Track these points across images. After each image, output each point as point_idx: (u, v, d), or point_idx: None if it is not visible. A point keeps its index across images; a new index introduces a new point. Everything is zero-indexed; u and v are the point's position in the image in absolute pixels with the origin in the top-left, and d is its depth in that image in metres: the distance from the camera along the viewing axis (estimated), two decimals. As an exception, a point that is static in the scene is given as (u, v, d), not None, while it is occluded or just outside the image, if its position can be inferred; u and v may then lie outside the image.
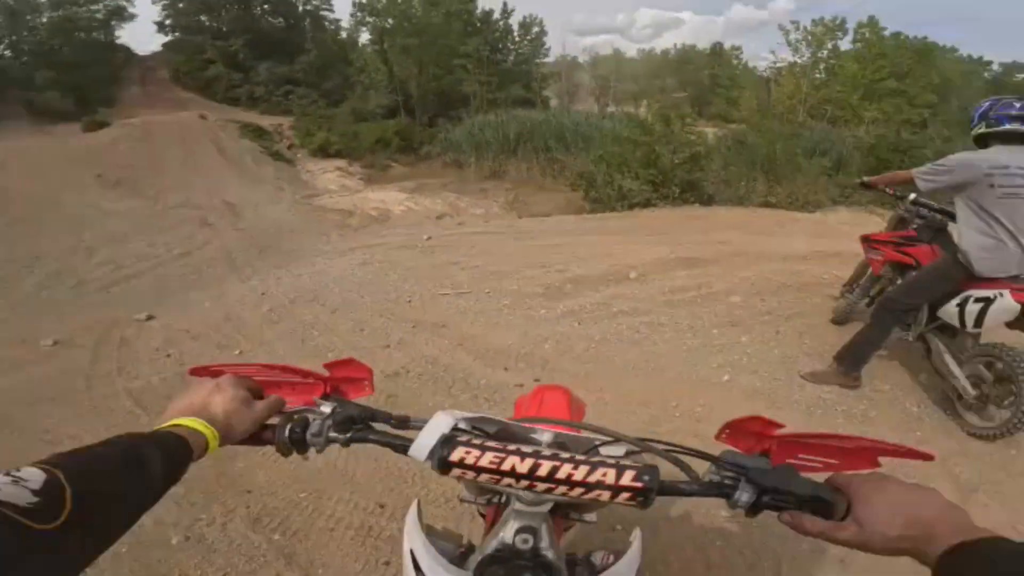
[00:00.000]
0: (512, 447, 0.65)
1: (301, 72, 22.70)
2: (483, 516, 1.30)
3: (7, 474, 0.46)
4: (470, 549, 0.84)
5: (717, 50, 39.98)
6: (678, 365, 3.53)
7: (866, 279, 3.63)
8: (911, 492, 0.58)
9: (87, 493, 0.48)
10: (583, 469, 0.62)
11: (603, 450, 0.72)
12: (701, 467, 0.70)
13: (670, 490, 0.65)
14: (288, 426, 0.71)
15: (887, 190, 3.27)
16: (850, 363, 3.10)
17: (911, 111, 17.33)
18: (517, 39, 25.14)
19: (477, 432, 0.73)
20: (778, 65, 19.33)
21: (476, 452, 0.64)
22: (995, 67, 28.81)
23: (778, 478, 0.64)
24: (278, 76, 22.62)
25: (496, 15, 23.84)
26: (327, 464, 2.53)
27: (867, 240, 3.48)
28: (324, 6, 26.45)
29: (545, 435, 0.76)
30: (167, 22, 25.09)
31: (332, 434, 0.73)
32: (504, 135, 14.20)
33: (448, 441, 0.66)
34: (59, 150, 13.83)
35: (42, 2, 22.50)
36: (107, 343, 4.19)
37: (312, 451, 0.73)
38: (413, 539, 0.79)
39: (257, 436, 0.71)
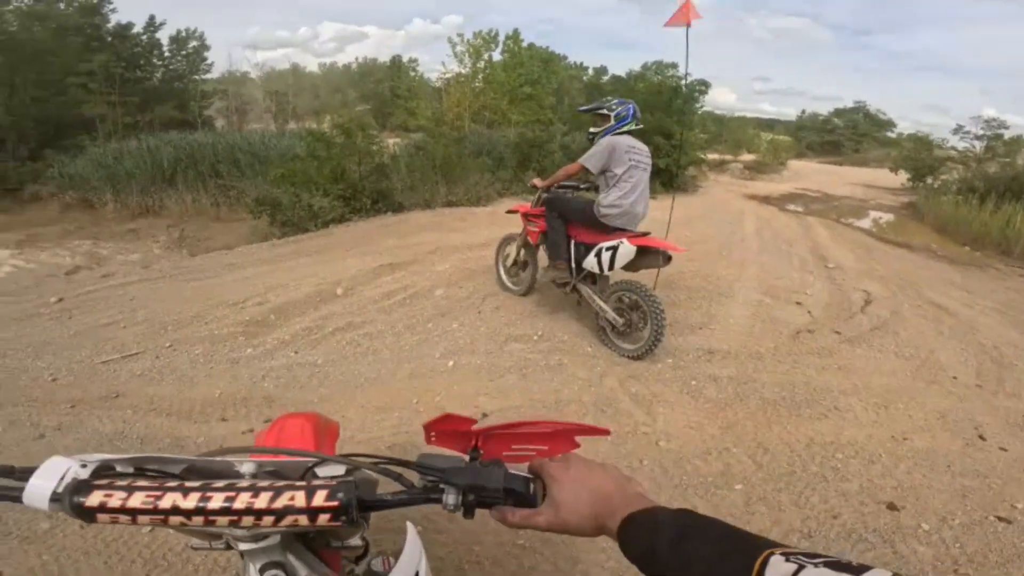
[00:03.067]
0: (172, 483, 0.59)
1: None
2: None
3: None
4: None
5: (397, 63, 41.70)
6: (407, 364, 3.70)
7: (527, 250, 4.49)
8: (592, 469, 0.59)
9: None
10: (265, 496, 0.57)
11: (322, 472, 0.69)
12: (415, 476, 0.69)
13: (377, 504, 0.62)
14: None
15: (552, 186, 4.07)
16: (552, 256, 3.94)
17: (540, 112, 21.30)
18: (168, 54, 21.22)
19: (159, 473, 0.65)
20: (447, 76, 21.16)
21: (122, 493, 0.56)
22: (589, 71, 37.83)
23: (472, 475, 0.62)
24: None
25: (138, 28, 19.63)
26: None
27: (526, 216, 4.28)
28: None
29: (246, 466, 0.69)
30: None
31: None
32: (155, 163, 11.74)
33: (82, 485, 0.57)
34: None
35: None
36: None
37: None
38: None
39: None
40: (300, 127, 19.70)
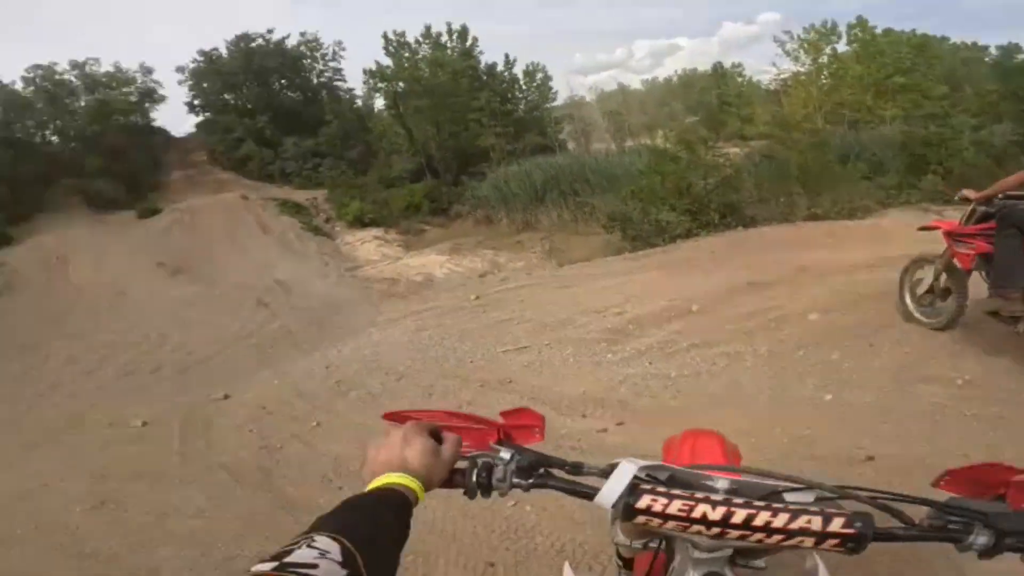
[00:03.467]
0: (700, 495, 0.64)
1: (325, 144, 23.16)
2: (620, 562, 1.28)
3: (309, 546, 0.46)
4: None
5: (719, 70, 39.99)
6: (768, 390, 3.41)
7: (953, 276, 3.46)
8: None
9: (374, 562, 0.48)
10: (784, 516, 0.59)
11: (789, 497, 0.69)
12: (913, 514, 0.66)
13: (885, 536, 0.62)
14: (475, 471, 0.74)
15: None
16: (1005, 283, 2.99)
17: (929, 104, 16.91)
18: (524, 87, 25.70)
19: (652, 479, 0.71)
20: (782, 76, 19.12)
21: (663, 500, 0.63)
22: (992, 51, 28.05)
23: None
24: (305, 150, 23.10)
25: (500, 67, 24.56)
26: (426, 525, 2.51)
27: (952, 235, 3.32)
28: (337, 77, 27.24)
29: (720, 482, 0.72)
30: (196, 102, 25.85)
31: (515, 480, 0.74)
32: (530, 184, 14.30)
33: (634, 489, 0.65)
34: (120, 240, 14.81)
35: (77, 86, 23.39)
36: (192, 423, 4.44)
37: (495, 495, 0.74)
38: None
39: (449, 480, 0.74)
40: (636, 144, 20.65)
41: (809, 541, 0.59)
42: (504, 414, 0.87)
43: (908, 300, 3.81)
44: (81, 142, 22.49)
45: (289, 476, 3.39)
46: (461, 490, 0.74)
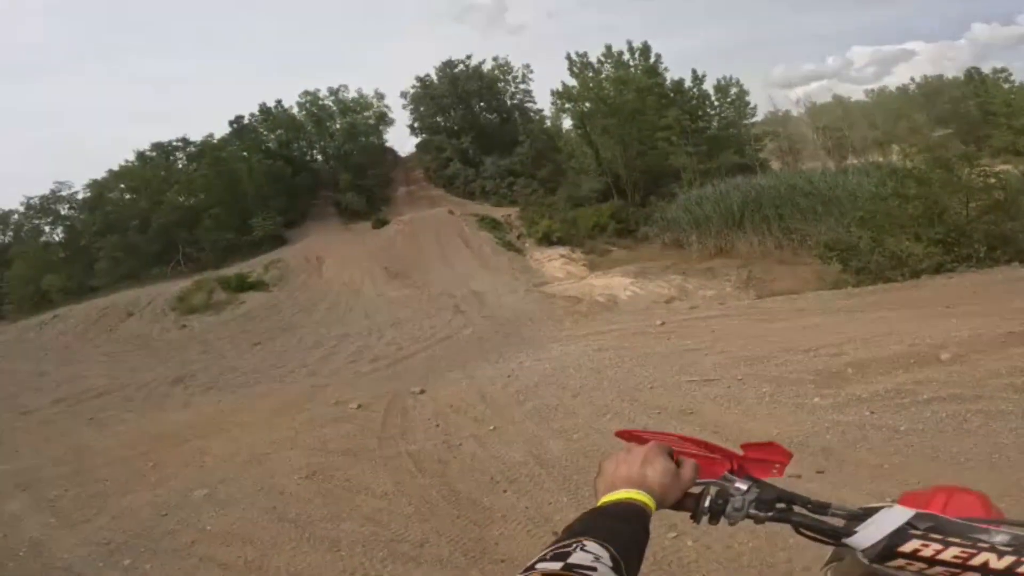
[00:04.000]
0: (984, 543, 0.60)
1: (519, 163, 25.00)
2: None
3: (583, 550, 0.50)
4: None
5: (976, 75, 32.28)
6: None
7: None
8: None
9: (629, 568, 0.51)
10: None
11: None
12: None
13: None
14: (709, 498, 0.74)
15: None
16: None
17: None
18: (716, 103, 24.08)
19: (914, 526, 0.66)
20: None
21: (938, 546, 0.60)
22: None
23: None
24: (501, 169, 25.29)
25: (688, 83, 23.37)
26: None
27: None
28: (527, 99, 29.34)
29: (998, 536, 0.64)
30: (415, 124, 30.01)
31: (752, 511, 0.73)
32: (726, 207, 13.31)
33: (900, 532, 0.62)
34: (360, 247, 17.84)
35: (334, 110, 28.86)
36: (393, 410, 5.05)
37: (724, 522, 0.74)
38: None
39: (681, 503, 0.75)
40: (862, 161, 17.69)
41: None
42: (746, 447, 0.85)
43: None
44: (336, 160, 27.78)
45: (462, 472, 3.61)
46: (688, 513, 0.75)
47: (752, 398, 3.99)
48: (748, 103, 24.13)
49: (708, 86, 23.72)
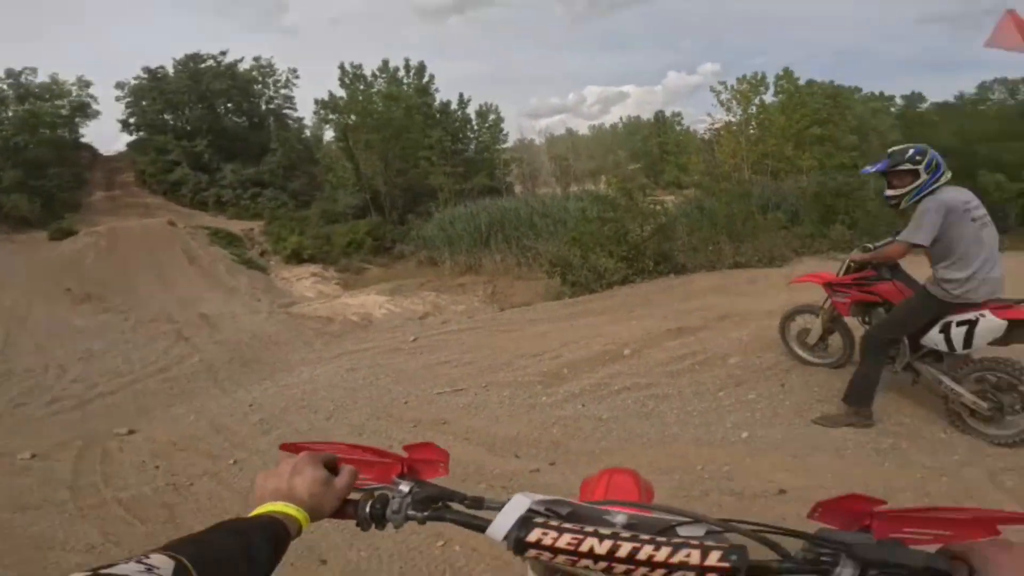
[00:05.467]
0: (590, 528, 0.64)
1: (268, 173, 22.53)
2: None
3: (138, 561, 0.45)
4: None
5: (660, 118, 41.86)
6: (692, 430, 3.55)
7: (836, 321, 3.86)
8: None
9: None
10: (665, 550, 0.60)
11: (681, 531, 0.70)
12: (790, 546, 0.67)
13: (761, 571, 0.62)
14: (369, 503, 0.74)
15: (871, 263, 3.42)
16: (856, 401, 3.24)
17: (838, 154, 17.89)
18: (476, 127, 25.94)
19: (551, 514, 0.73)
20: (715, 126, 20.21)
21: (553, 533, 0.64)
22: (898, 100, 30.60)
23: (885, 551, 0.60)
24: (245, 178, 22.31)
25: (454, 105, 24.75)
26: (349, 568, 2.45)
27: (830, 286, 3.64)
28: (287, 105, 26.86)
29: (619, 516, 0.73)
30: (131, 120, 24.67)
31: (411, 512, 0.75)
32: (475, 227, 14.34)
33: (525, 522, 0.66)
34: (26, 262, 13.63)
35: (8, 95, 22.19)
36: (88, 456, 4.18)
37: (390, 527, 0.75)
38: None
39: (341, 511, 0.75)
40: (580, 189, 21.19)
41: None
42: (408, 448, 0.87)
43: (795, 347, 4.19)
44: (2, 154, 20.79)
45: (199, 513, 3.24)
46: (354, 521, 0.75)
47: (495, 403, 4.39)
48: (503, 129, 26.70)
49: (471, 110, 25.33)
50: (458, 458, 3.49)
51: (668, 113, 43.32)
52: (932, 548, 0.62)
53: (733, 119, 19.53)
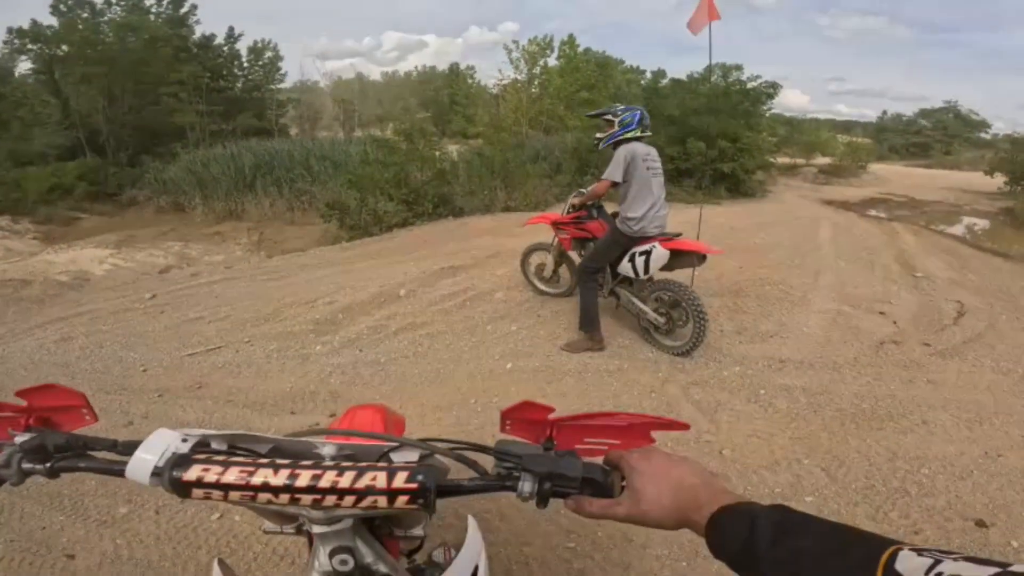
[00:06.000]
0: (264, 460, 0.60)
1: None
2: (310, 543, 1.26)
3: None
4: None
5: (455, 71, 42.47)
6: (465, 365, 3.76)
7: (563, 255, 4.55)
8: (675, 462, 0.59)
9: None
10: (349, 475, 0.58)
11: (396, 458, 0.69)
12: (488, 463, 0.69)
13: (452, 489, 0.62)
14: None
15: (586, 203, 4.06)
16: (587, 326, 3.83)
17: None
18: (246, 65, 22.73)
19: (245, 451, 0.68)
20: (503, 83, 21.13)
21: (218, 468, 0.59)
22: (648, 74, 36.72)
23: (551, 463, 0.62)
24: None
25: (219, 40, 21.15)
26: (106, 558, 2.10)
27: (556, 224, 4.28)
28: None
29: (327, 448, 0.71)
30: None
31: (26, 465, 0.65)
32: (237, 169, 12.60)
33: (182, 460, 0.60)
34: None
35: None
36: None
37: (7, 485, 0.65)
38: None
39: None
40: (365, 134, 20.40)
41: (382, 500, 0.58)
42: (25, 394, 0.72)
43: (535, 280, 4.82)
44: None
45: None
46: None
47: (261, 358, 3.99)
48: (280, 68, 23.54)
49: (241, 46, 21.73)
50: (221, 422, 3.14)
51: (463, 66, 43.87)
52: (598, 459, 0.66)
53: (520, 77, 20.58)
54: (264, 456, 0.67)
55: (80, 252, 8.35)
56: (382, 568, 0.71)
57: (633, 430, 0.72)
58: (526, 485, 0.61)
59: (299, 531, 0.89)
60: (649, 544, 2.11)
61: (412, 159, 8.97)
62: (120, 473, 0.62)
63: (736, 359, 3.75)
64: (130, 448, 0.66)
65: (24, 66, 18.78)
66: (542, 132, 17.45)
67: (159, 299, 5.34)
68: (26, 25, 16.90)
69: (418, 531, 0.83)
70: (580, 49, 22.88)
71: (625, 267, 3.66)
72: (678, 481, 0.57)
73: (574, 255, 4.43)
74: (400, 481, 0.58)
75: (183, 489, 0.59)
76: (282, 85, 24.53)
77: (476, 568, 0.78)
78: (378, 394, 3.45)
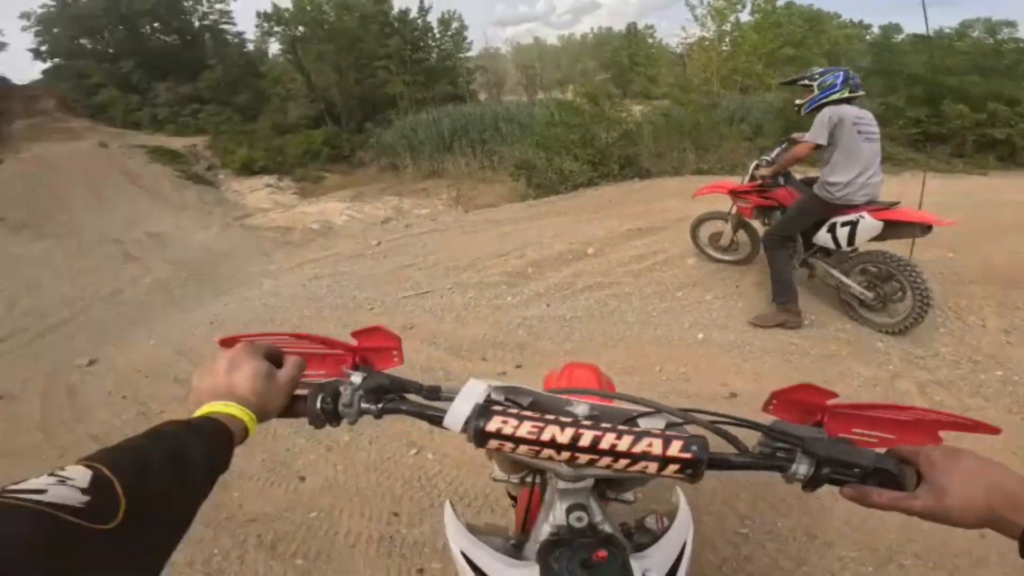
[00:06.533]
0: (551, 416, 0.62)
1: (207, 89, 21.29)
2: (513, 500, 1.32)
3: (51, 474, 0.42)
4: (520, 538, 0.82)
5: (632, 31, 41.00)
6: (652, 330, 3.65)
7: (743, 224, 4.20)
8: (991, 465, 0.58)
9: (138, 488, 0.44)
10: (627, 439, 0.59)
11: (642, 423, 0.69)
12: (749, 440, 0.67)
13: (720, 463, 0.61)
14: (319, 396, 0.68)
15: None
16: (781, 297, 3.51)
17: None
18: (438, 36, 24.67)
19: (510, 403, 0.70)
20: (688, 41, 19.81)
21: (514, 421, 0.61)
22: (875, 30, 30.97)
23: (838, 449, 0.60)
24: (182, 95, 21.08)
25: (413, 13, 23.36)
26: (327, 482, 2.47)
27: (735, 193, 3.97)
28: (225, 20, 24.99)
29: (580, 407, 0.72)
30: (43, 49, 22.93)
31: (364, 404, 0.70)
32: (438, 132, 13.93)
33: (484, 411, 0.63)
34: None
35: None
36: (53, 393, 3.93)
37: (345, 422, 0.70)
38: (459, 540, 0.76)
39: (289, 408, 0.68)
40: (547, 97, 20.74)
41: (653, 466, 0.58)
42: (358, 334, 0.80)
43: (708, 249, 4.50)
44: None
45: None
46: (306, 420, 0.68)
47: (460, 305, 4.39)
48: (466, 38, 25.24)
49: (432, 18, 23.83)
50: (425, 363, 3.52)
51: (641, 26, 41.83)
52: (881, 450, 0.62)
53: (707, 35, 19.03)
54: (524, 408, 0.69)
55: (326, 205, 10.20)
56: (607, 528, 0.72)
57: (918, 427, 0.69)
58: (801, 467, 0.61)
59: (523, 481, 0.94)
60: (836, 544, 1.90)
61: (598, 120, 8.83)
62: (438, 422, 0.67)
63: (1000, 362, 3.01)
64: (433, 394, 0.72)
65: (274, 48, 22.90)
66: (738, 92, 15.81)
67: (382, 246, 6.22)
68: (269, 9, 20.13)
69: (629, 496, 0.84)
70: (780, 2, 20.05)
71: (823, 237, 3.34)
72: (995, 483, 0.55)
73: (755, 224, 4.14)
74: (675, 450, 0.58)
75: (482, 438, 0.62)
76: (470, 54, 26.04)
77: (684, 543, 0.77)
78: (562, 350, 3.54)
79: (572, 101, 9.56)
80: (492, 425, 0.61)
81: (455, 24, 24.73)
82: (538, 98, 21.30)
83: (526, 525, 0.88)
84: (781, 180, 3.72)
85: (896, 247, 3.32)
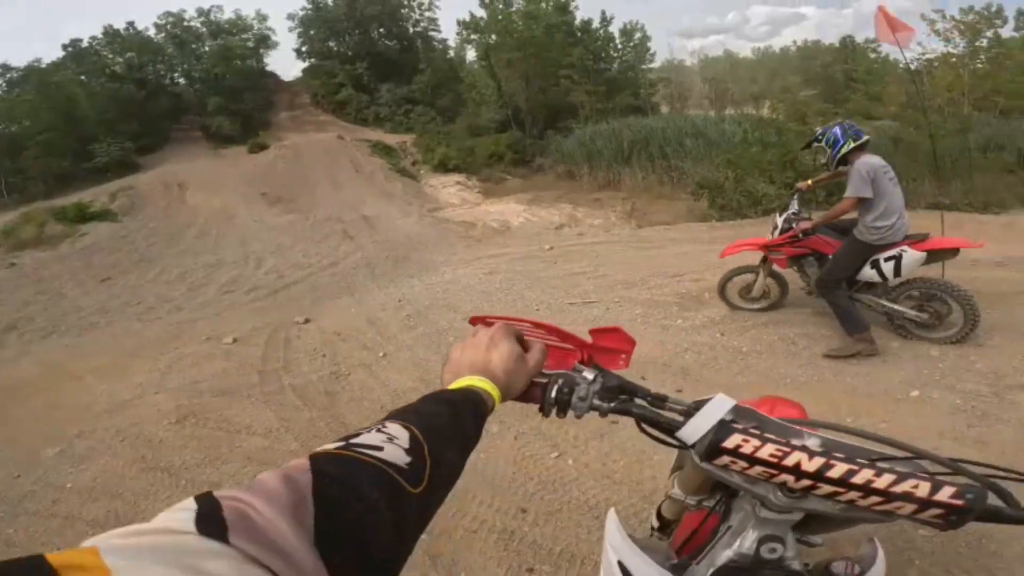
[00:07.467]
0: (797, 442, 0.61)
1: (418, 92, 24.41)
2: (657, 523, 1.32)
3: (379, 430, 0.45)
4: (684, 560, 0.79)
5: (849, 44, 35.98)
6: (851, 379, 3.20)
7: (775, 276, 4.22)
8: None
9: (438, 454, 0.46)
10: (888, 477, 0.55)
11: (881, 464, 0.64)
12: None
13: (990, 515, 0.57)
14: (556, 387, 0.68)
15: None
16: (851, 328, 3.55)
17: None
18: (620, 46, 24.56)
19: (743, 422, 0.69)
20: (926, 57, 16.83)
21: (755, 442, 0.61)
22: None
23: None
24: (398, 96, 24.49)
25: (596, 24, 23.56)
26: (467, 466, 2.61)
27: (767, 247, 4.05)
28: (432, 27, 28.39)
29: (810, 439, 0.68)
30: (303, 49, 28.31)
31: (596, 401, 0.70)
32: (617, 143, 13.85)
33: (723, 426, 0.62)
34: (232, 171, 16.23)
35: (203, 32, 26.53)
36: (274, 343, 4.70)
37: (571, 414, 0.70)
38: (621, 549, 0.75)
39: (527, 393, 0.69)
40: (738, 112, 19.27)
41: (908, 508, 0.56)
42: (594, 332, 0.82)
43: (738, 302, 4.37)
44: (204, 84, 25.22)
45: (351, 402, 3.52)
46: (536, 407, 0.70)
47: (626, 320, 4.33)
48: (649, 49, 24.85)
49: (614, 29, 24.02)
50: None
51: (860, 39, 36.31)
52: None
53: (954, 50, 16.05)
54: (741, 426, 0.66)
55: (505, 206, 10.90)
56: (795, 565, 0.69)
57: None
58: None
59: (698, 504, 0.90)
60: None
61: (802, 140, 7.86)
62: (666, 428, 0.66)
63: None
64: (659, 402, 0.71)
65: (471, 55, 25.01)
66: (997, 115, 12.98)
67: (554, 251, 6.43)
68: (467, 18, 22.17)
69: (818, 540, 0.79)
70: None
71: (868, 274, 3.58)
72: None
73: (783, 272, 4.25)
74: (944, 495, 0.54)
75: (715, 452, 0.61)
76: (652, 65, 25.38)
77: None
78: (733, 384, 3.27)
79: (773, 119, 8.70)
80: (730, 442, 0.61)
81: (637, 35, 24.36)
82: (727, 113, 19.88)
83: (684, 547, 0.87)
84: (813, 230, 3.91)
85: (927, 271, 3.60)
